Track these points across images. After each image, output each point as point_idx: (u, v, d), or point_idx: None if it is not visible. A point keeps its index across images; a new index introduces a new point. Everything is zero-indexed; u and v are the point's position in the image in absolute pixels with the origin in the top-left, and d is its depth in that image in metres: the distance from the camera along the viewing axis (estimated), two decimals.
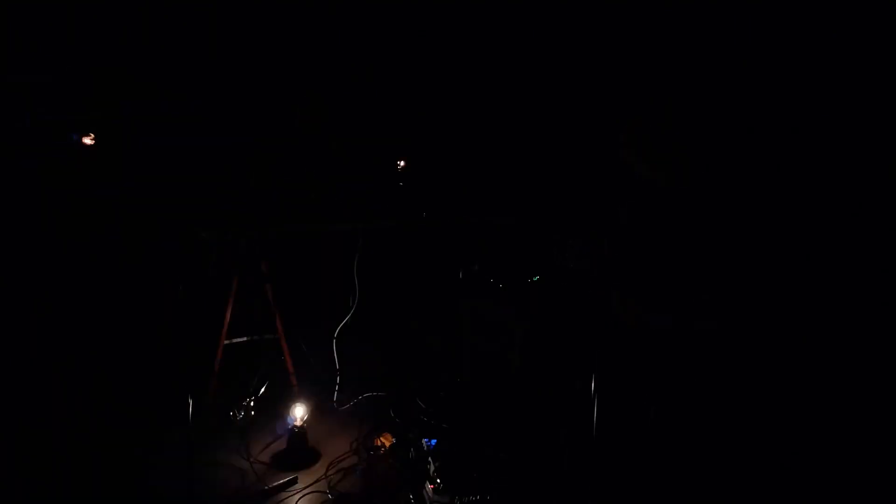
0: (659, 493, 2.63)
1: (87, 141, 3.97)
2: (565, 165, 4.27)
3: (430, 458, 3.23)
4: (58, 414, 3.75)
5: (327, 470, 3.47)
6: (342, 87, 4.89)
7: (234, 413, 3.91)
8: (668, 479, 2.61)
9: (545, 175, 4.54)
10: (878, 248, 3.08)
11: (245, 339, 4.39)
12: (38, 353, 4.17)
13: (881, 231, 3.09)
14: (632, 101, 2.57)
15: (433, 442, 3.42)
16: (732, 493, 2.65)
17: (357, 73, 4.91)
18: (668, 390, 2.58)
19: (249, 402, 4.01)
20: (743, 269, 2.43)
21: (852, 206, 3.16)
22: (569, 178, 4.15)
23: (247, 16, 4.70)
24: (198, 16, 4.60)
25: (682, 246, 2.60)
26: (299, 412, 3.69)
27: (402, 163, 4.61)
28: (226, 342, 4.02)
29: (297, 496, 3.23)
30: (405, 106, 4.99)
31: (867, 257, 3.10)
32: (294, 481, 3.37)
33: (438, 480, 3.03)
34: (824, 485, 2.74)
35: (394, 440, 3.67)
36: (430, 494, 3.02)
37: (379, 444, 3.68)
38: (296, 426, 3.64)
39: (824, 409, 2.89)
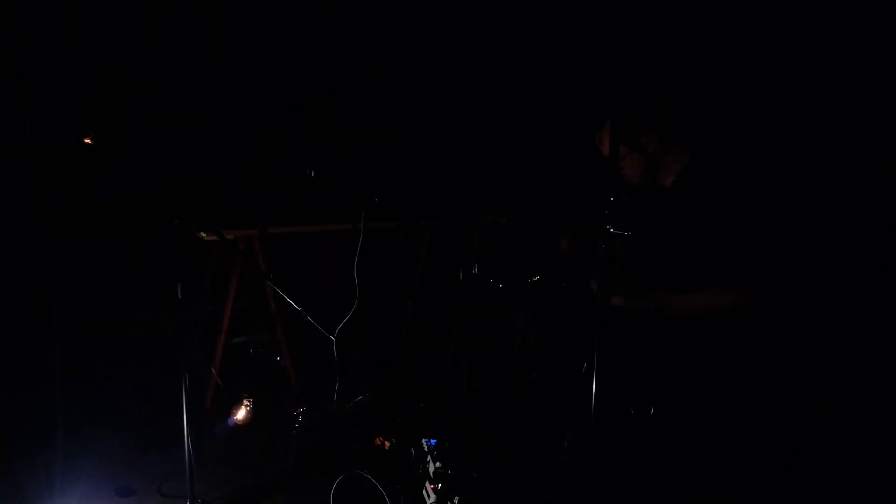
0: (659, 493, 2.63)
1: (87, 141, 3.96)
2: (565, 164, 4.28)
3: (429, 458, 3.22)
4: (58, 414, 3.74)
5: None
6: (342, 86, 4.90)
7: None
8: (669, 477, 2.61)
9: (545, 174, 4.54)
10: (879, 248, 3.08)
11: (244, 339, 4.38)
12: (37, 352, 4.16)
13: (881, 231, 3.09)
14: (630, 101, 2.57)
15: (433, 442, 3.41)
16: (733, 493, 2.65)
17: (357, 73, 4.92)
18: (668, 388, 2.58)
19: (248, 402, 4.00)
20: (742, 268, 2.43)
21: (852, 206, 3.16)
22: (569, 177, 4.15)
23: (246, 15, 4.71)
24: (197, 15, 4.60)
25: (681, 245, 2.60)
26: (240, 414, 3.80)
27: (402, 163, 4.61)
28: (225, 342, 4.02)
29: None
30: (405, 105, 4.99)
31: (867, 257, 3.10)
32: None
33: (438, 480, 3.02)
34: (825, 484, 2.74)
35: (393, 440, 3.66)
36: (430, 494, 3.01)
37: (379, 443, 3.67)
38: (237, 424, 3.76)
39: (824, 407, 2.89)
